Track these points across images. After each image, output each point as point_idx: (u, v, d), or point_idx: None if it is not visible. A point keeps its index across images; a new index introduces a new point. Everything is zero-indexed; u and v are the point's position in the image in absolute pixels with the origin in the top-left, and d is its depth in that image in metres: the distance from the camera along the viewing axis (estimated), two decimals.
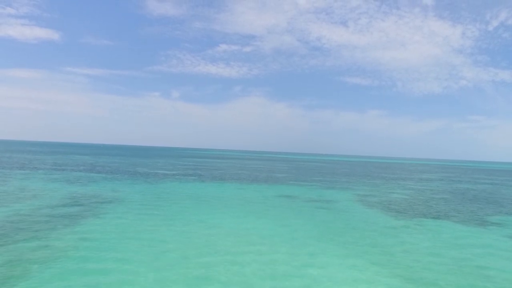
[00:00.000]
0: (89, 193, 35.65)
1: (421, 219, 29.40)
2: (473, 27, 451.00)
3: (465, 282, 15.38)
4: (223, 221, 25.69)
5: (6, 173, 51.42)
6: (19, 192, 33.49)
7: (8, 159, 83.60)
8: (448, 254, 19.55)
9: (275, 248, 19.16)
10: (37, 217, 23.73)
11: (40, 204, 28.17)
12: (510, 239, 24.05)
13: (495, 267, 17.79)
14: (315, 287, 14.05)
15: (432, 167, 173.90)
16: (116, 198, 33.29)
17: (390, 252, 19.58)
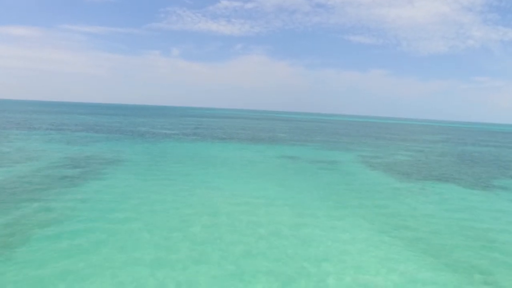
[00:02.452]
0: (89, 153, 35.10)
1: (425, 182, 28.96)
2: None
3: (469, 245, 15.13)
4: (224, 182, 25.24)
5: (4, 134, 50.77)
6: (18, 153, 32.94)
7: (5, 119, 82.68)
8: (452, 217, 19.26)
9: (278, 210, 18.75)
10: (37, 178, 23.26)
11: (39, 165, 27.66)
12: None
13: (500, 230, 17.53)
14: (319, 249, 13.71)
15: (435, 128, 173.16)
16: (116, 159, 32.78)
17: (394, 215, 19.24)
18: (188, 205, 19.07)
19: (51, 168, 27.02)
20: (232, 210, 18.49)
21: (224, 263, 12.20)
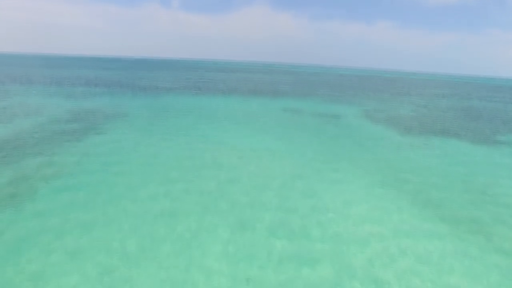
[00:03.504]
0: (90, 108, 34.81)
1: (427, 136, 28.79)
2: None
3: (468, 198, 15.31)
4: (226, 135, 25.18)
5: (3, 89, 50.19)
6: (18, 108, 32.70)
7: (3, 74, 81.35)
8: (453, 171, 19.34)
9: (280, 162, 18.81)
10: (39, 133, 23.22)
11: (41, 120, 27.52)
12: None
13: (501, 185, 17.59)
14: (320, 199, 13.89)
15: (442, 83, 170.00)
16: (117, 113, 32.54)
17: (395, 168, 19.32)
18: (190, 158, 19.12)
19: (52, 122, 26.91)
20: (234, 163, 18.57)
21: (227, 213, 12.39)
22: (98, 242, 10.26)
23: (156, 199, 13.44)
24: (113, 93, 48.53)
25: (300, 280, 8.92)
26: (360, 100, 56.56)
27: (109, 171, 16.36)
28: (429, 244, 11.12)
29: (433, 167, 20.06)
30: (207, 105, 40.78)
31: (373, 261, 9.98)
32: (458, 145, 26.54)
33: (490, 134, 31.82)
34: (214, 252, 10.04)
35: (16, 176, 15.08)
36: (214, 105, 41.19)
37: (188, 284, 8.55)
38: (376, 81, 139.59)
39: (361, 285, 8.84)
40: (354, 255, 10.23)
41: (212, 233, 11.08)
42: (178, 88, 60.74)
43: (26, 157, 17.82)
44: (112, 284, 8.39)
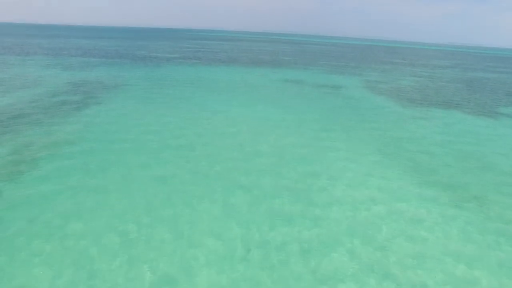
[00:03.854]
0: (89, 79, 34.45)
1: (430, 108, 28.63)
2: None
3: (466, 168, 15.47)
4: (227, 107, 25.05)
5: (2, 59, 49.49)
6: (16, 80, 32.34)
7: (0, 44, 79.80)
8: (452, 142, 19.41)
9: (281, 132, 18.83)
10: (39, 105, 23.08)
11: (41, 92, 27.29)
12: None
13: (499, 155, 17.69)
14: (319, 166, 14.03)
15: (445, 53, 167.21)
16: (116, 84, 32.24)
17: (394, 138, 19.39)
18: (189, 126, 19.12)
19: (51, 94, 26.71)
20: (233, 132, 18.61)
21: (225, 179, 12.52)
22: (102, 207, 10.44)
23: (156, 167, 13.57)
24: (112, 64, 47.86)
25: (298, 242, 9.13)
26: (362, 70, 55.84)
27: (110, 141, 16.46)
28: (424, 210, 11.33)
29: (432, 138, 20.10)
30: (207, 75, 40.31)
31: (369, 225, 10.18)
32: (460, 116, 26.44)
33: (492, 105, 31.62)
34: (212, 216, 10.23)
35: (18, 146, 15.15)
36: (214, 75, 40.72)
37: (190, 247, 8.77)
38: (379, 51, 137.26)
39: (356, 247, 9.06)
40: (351, 218, 10.42)
41: (210, 197, 11.23)
42: (177, 58, 59.83)
43: (27, 128, 17.82)
44: (119, 248, 8.60)
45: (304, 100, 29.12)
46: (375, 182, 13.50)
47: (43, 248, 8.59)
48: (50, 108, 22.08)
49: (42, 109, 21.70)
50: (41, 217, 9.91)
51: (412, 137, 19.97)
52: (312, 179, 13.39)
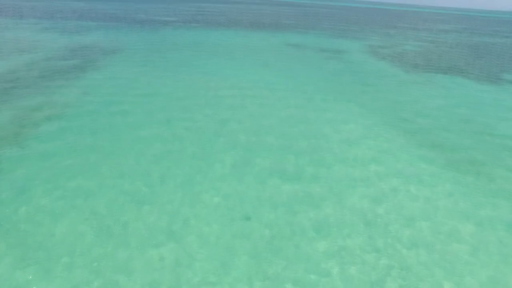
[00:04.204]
0: (87, 43, 33.71)
1: (433, 74, 28.24)
2: None
3: (467, 136, 15.48)
4: (228, 71, 24.73)
5: None
6: (11, 44, 31.64)
7: None
8: (454, 109, 19.32)
9: (281, 97, 18.71)
10: (35, 71, 22.72)
11: (38, 57, 26.80)
12: None
13: (501, 123, 17.63)
14: (319, 132, 14.07)
15: (451, 17, 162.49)
16: (115, 48, 31.60)
17: (395, 105, 19.30)
18: (190, 94, 18.96)
19: (48, 59, 26.24)
20: (233, 98, 18.48)
21: (224, 148, 12.60)
22: (104, 166, 10.59)
23: (156, 136, 13.58)
24: (109, 27, 46.65)
25: (300, 216, 9.33)
26: (365, 34, 54.55)
27: (109, 109, 16.32)
28: (424, 182, 11.45)
29: (433, 102, 20.02)
30: (206, 39, 39.45)
31: (368, 196, 10.36)
32: (463, 83, 26.12)
33: (497, 71, 31.16)
34: (215, 175, 10.40)
35: (18, 115, 15.07)
36: (214, 39, 39.85)
37: (193, 205, 8.97)
38: (383, 15, 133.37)
39: (352, 201, 9.27)
40: (352, 190, 10.59)
41: (211, 167, 11.35)
42: (176, 22, 58.29)
43: (26, 95, 17.65)
44: (128, 214, 8.81)
45: (305, 64, 28.69)
46: (373, 143, 13.71)
47: (51, 205, 8.78)
48: (48, 75, 21.78)
49: (40, 76, 21.41)
50: (45, 177, 10.06)
51: (412, 101, 19.90)
52: (311, 140, 13.59)
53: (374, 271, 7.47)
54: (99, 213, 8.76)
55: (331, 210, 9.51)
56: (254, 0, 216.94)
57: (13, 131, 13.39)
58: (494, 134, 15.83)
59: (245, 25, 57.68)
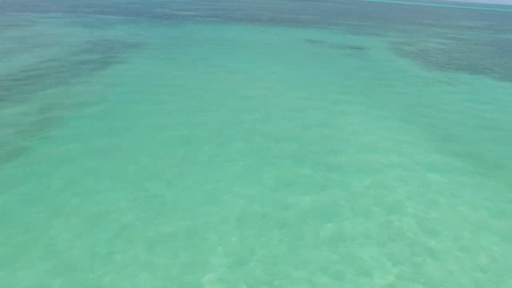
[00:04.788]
0: (107, 37, 34.23)
1: (456, 73, 27.57)
2: None
3: (492, 139, 15.01)
4: (245, 66, 24.78)
5: (18, 17, 49.43)
6: (36, 38, 32.37)
7: (17, 2, 79.18)
8: (476, 109, 18.84)
9: (300, 95, 18.61)
10: (61, 63, 23.24)
11: (62, 50, 27.37)
12: None
13: None
14: (338, 135, 13.88)
15: (475, 13, 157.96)
16: (136, 43, 32.02)
17: (415, 103, 18.99)
18: (208, 87, 19.06)
19: (71, 53, 26.77)
20: (251, 93, 18.50)
21: (245, 141, 12.61)
22: (124, 164, 10.78)
23: (176, 127, 13.75)
24: (129, 21, 47.23)
25: (316, 205, 9.30)
26: (385, 31, 53.62)
27: (129, 101, 16.65)
28: (439, 175, 11.24)
29: (456, 103, 19.52)
30: (224, 34, 39.51)
31: (383, 188, 10.23)
32: (486, 82, 25.42)
33: None
34: (231, 176, 10.44)
35: (43, 106, 15.50)
36: (232, 34, 39.87)
37: (211, 204, 9.06)
38: (406, 11, 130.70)
39: (373, 210, 9.17)
40: (366, 182, 10.47)
41: (229, 158, 11.41)
42: (195, 16, 58.54)
43: (50, 87, 18.09)
44: (146, 203, 8.97)
45: (323, 61, 28.43)
46: (391, 145, 13.41)
47: (71, 201, 9.01)
48: (72, 67, 22.25)
49: (64, 69, 21.87)
50: (66, 173, 10.31)
51: (434, 102, 19.46)
52: (328, 141, 13.38)
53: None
54: (121, 211, 8.94)
55: (347, 220, 9.43)
56: None
57: (39, 121, 13.77)
58: None
59: (264, 20, 57.48)
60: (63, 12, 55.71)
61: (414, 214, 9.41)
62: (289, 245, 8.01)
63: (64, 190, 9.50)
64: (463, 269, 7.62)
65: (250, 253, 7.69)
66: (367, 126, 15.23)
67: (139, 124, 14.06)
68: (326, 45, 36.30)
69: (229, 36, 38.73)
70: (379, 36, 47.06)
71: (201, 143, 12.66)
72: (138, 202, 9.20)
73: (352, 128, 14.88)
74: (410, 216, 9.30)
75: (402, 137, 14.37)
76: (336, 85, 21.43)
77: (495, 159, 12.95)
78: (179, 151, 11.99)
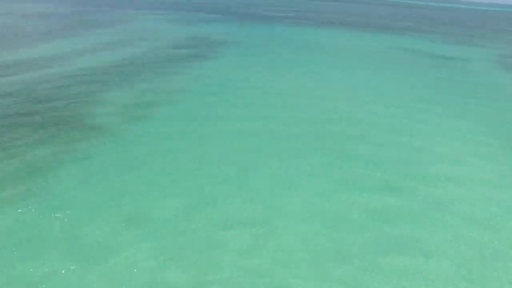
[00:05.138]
0: (202, 34, 36.77)
1: None
2: None
3: None
4: (335, 73, 24.63)
5: (127, 13, 55.25)
6: (140, 32, 36.08)
7: None
8: None
9: (385, 103, 18.04)
10: (159, 56, 25.81)
11: (160, 44, 30.20)
12: None
13: None
14: (422, 147, 13.23)
15: None
16: (226, 40, 33.93)
17: None
18: (291, 90, 19.51)
19: (168, 46, 29.42)
20: (335, 98, 18.50)
21: (323, 145, 12.78)
22: (205, 149, 11.90)
23: (254, 122, 14.48)
24: (223, 20, 50.04)
25: (399, 212, 9.13)
26: (488, 41, 48.65)
27: (213, 92, 18.07)
28: None
29: None
30: (315, 38, 39.64)
31: (470, 206, 9.61)
32: None
33: None
34: (307, 175, 10.71)
35: (139, 91, 17.58)
36: (323, 39, 39.82)
37: (284, 196, 9.48)
38: (487, 16, 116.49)
39: (455, 220, 8.73)
40: (448, 197, 9.93)
41: (307, 161, 11.70)
42: (286, 18, 59.58)
43: (145, 77, 20.27)
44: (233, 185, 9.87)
45: (416, 70, 26.98)
46: (478, 164, 12.37)
47: (162, 180, 10.18)
48: (168, 60, 24.57)
49: (161, 61, 24.26)
50: (156, 154, 11.61)
51: None
52: (414, 153, 12.80)
53: None
54: (205, 190, 9.83)
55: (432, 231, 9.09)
56: (369, 1, 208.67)
57: (130, 107, 15.61)
58: None
59: (357, 25, 56.22)
60: (163, 10, 60.99)
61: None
62: (364, 251, 8.06)
63: (147, 168, 10.76)
64: None
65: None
66: (454, 141, 14.25)
67: (219, 115, 15.16)
68: (420, 54, 34.31)
69: (320, 40, 38.76)
70: (482, 47, 42.92)
71: (274, 143, 13.10)
72: (217, 179, 10.16)
73: (436, 141, 14.05)
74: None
75: (490, 157, 13.18)
76: (425, 96, 20.26)
77: None
78: (253, 144, 12.65)
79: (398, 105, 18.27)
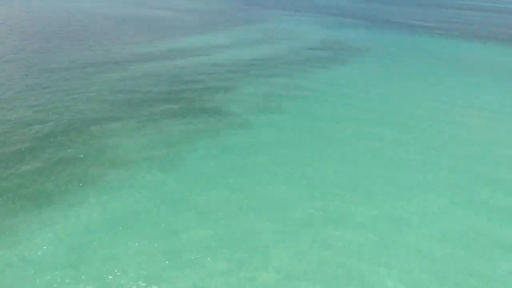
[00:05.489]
0: (339, 38, 36.61)
1: None
2: None
3: None
4: (472, 92, 22.16)
5: (271, 13, 57.87)
6: (280, 32, 37.58)
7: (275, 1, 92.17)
8: None
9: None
10: (293, 57, 26.77)
11: (299, 45, 31.36)
12: None
13: None
14: None
15: None
16: (362, 47, 33.43)
17: None
18: (413, 109, 18.32)
19: (304, 48, 30.24)
20: (470, 122, 16.92)
21: (443, 163, 12.37)
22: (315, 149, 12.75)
23: (366, 134, 14.42)
24: (363, 26, 48.87)
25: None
26: None
27: (339, 94, 18.69)
28: None
29: None
30: (456, 51, 35.53)
31: None
32: None
33: None
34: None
35: (266, 88, 18.40)
36: (464, 52, 35.39)
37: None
38: None
39: None
40: None
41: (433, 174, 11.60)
42: (431, 28, 54.90)
43: (276, 76, 21.19)
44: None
45: None
46: None
47: (284, 170, 11.44)
48: (300, 61, 25.90)
49: (294, 62, 25.32)
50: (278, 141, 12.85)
51: None
52: None
53: None
54: (314, 178, 11.02)
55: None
56: (505, 9, 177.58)
57: (263, 98, 17.05)
58: None
59: (503, 39, 48.30)
60: (304, 11, 62.22)
61: None
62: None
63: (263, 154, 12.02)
64: None
65: None
66: None
67: (340, 115, 15.88)
68: None
69: (460, 53, 34.62)
70: None
71: (399, 152, 13.38)
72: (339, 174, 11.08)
73: None
74: None
75: None
76: None
77: None
78: (368, 150, 13.05)
79: None
